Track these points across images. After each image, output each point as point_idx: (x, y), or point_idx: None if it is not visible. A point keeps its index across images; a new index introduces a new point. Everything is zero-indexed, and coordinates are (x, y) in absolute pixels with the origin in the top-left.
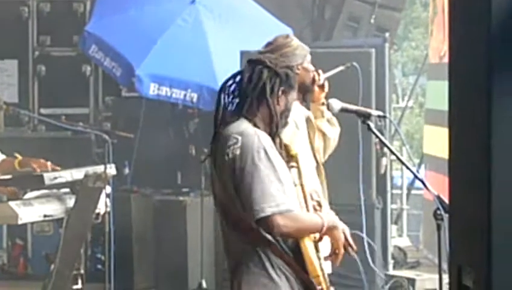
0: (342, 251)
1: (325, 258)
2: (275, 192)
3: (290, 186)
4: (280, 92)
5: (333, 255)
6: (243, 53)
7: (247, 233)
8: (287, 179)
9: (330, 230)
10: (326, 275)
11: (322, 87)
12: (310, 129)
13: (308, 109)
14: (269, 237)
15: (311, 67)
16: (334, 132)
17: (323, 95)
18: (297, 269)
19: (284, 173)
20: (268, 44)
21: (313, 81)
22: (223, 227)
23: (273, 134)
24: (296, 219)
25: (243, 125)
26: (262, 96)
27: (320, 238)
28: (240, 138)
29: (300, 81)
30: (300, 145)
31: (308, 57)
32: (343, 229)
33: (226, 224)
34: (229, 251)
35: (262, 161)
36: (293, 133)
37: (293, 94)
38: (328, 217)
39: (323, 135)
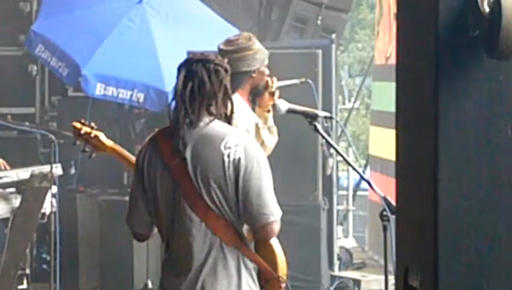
0: None
1: None
2: (275, 198)
3: None
4: (229, 86)
5: None
6: (189, 53)
7: (220, 232)
8: None
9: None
10: None
11: (272, 94)
12: (256, 136)
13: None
14: (243, 238)
15: (266, 72)
16: (272, 140)
17: (271, 102)
18: (266, 268)
19: None
20: (230, 42)
21: (266, 86)
22: (186, 224)
23: None
24: (280, 222)
25: (230, 127)
26: (226, 97)
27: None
28: (241, 140)
29: (254, 84)
30: None
31: (266, 61)
32: None
33: (194, 221)
34: (191, 250)
35: (265, 165)
36: None
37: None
38: None
39: (262, 142)
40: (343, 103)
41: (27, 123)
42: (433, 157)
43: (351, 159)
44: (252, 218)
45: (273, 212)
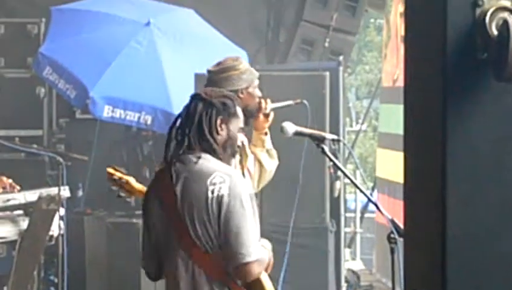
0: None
1: None
2: (256, 238)
3: None
4: (219, 122)
5: None
6: (197, 75)
7: (206, 266)
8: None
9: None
10: None
11: (267, 116)
12: (242, 153)
13: (251, 134)
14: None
15: (257, 93)
16: (271, 164)
17: (267, 124)
18: None
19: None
20: (218, 64)
21: (259, 108)
22: (174, 261)
23: None
24: (263, 263)
25: (221, 164)
26: (200, 130)
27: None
28: (227, 178)
29: (243, 105)
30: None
31: (256, 82)
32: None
33: (182, 257)
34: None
35: (248, 205)
36: None
37: (236, 122)
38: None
39: (260, 165)
40: (351, 125)
41: (35, 145)
42: (441, 180)
43: (358, 182)
44: (228, 257)
45: (251, 253)
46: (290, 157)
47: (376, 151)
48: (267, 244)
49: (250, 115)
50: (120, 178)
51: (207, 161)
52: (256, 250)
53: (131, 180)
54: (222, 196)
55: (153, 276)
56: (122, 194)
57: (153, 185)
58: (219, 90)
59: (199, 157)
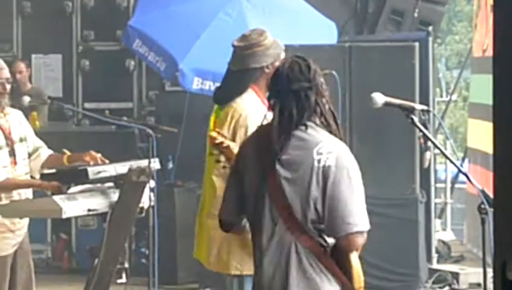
0: None
1: None
2: (363, 210)
3: None
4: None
5: None
6: (286, 47)
7: (296, 233)
8: None
9: None
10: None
11: None
12: None
13: None
14: (322, 243)
15: None
16: None
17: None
18: (341, 278)
19: None
20: (242, 38)
21: None
22: (265, 221)
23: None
24: (365, 236)
25: (329, 136)
26: (318, 106)
27: None
28: (334, 148)
29: (269, 79)
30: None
31: (282, 55)
32: None
33: (274, 219)
34: (267, 249)
35: (356, 177)
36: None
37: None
38: None
39: None
40: (441, 96)
41: (125, 118)
42: None
43: (448, 152)
44: (335, 226)
45: (358, 224)
46: (380, 130)
47: (467, 121)
48: None
49: None
50: (222, 142)
51: (315, 131)
52: (363, 221)
53: (232, 145)
54: (329, 167)
55: (226, 227)
56: (222, 160)
57: (255, 140)
58: (251, 59)
59: (306, 127)
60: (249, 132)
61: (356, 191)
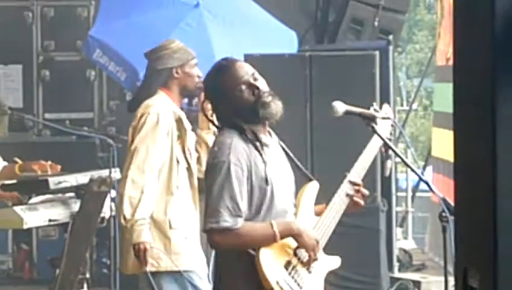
0: (314, 255)
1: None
2: (222, 209)
3: (250, 201)
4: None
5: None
6: (246, 56)
7: None
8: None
9: (294, 238)
10: (286, 286)
11: None
12: (181, 128)
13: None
14: None
15: (195, 73)
16: None
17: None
18: (252, 279)
19: (245, 190)
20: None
21: (200, 88)
22: None
23: None
24: (237, 235)
25: (226, 134)
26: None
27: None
28: (216, 148)
29: (181, 84)
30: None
31: (193, 61)
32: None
33: None
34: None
35: (222, 175)
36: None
37: None
38: (285, 225)
39: (207, 146)
40: (401, 105)
41: (86, 128)
42: (491, 158)
43: (409, 161)
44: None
45: (207, 223)
46: (340, 137)
47: (427, 130)
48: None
49: (191, 95)
50: None
51: (220, 135)
52: (212, 220)
53: None
54: (207, 166)
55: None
56: None
57: None
58: (158, 62)
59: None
60: (148, 119)
61: (227, 188)
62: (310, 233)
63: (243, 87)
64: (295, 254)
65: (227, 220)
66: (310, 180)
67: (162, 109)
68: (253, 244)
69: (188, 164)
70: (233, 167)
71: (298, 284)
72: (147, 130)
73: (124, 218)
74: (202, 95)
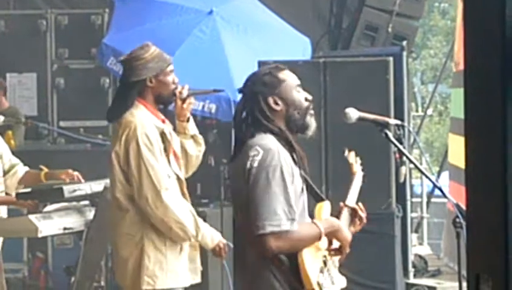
0: (348, 249)
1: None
2: (280, 211)
3: (299, 207)
4: (271, 101)
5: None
6: (260, 63)
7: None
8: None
9: (332, 234)
10: (327, 284)
11: (184, 102)
12: (165, 142)
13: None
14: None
15: (170, 80)
16: (196, 149)
17: (187, 111)
18: (291, 280)
19: (293, 194)
20: (128, 53)
21: (173, 94)
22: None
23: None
24: (291, 238)
25: (267, 139)
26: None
27: (330, 243)
28: (261, 151)
29: (156, 93)
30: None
31: (169, 68)
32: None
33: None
34: (244, 261)
35: (276, 178)
36: (148, 150)
37: (286, 86)
38: (326, 222)
39: (185, 151)
40: (416, 110)
41: (100, 136)
42: (502, 164)
43: (424, 167)
44: (248, 228)
45: (264, 225)
46: (355, 144)
47: (442, 136)
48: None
49: (166, 102)
50: None
51: (259, 136)
52: (274, 223)
53: None
54: (251, 168)
55: None
56: None
57: None
58: (131, 72)
59: (253, 134)
60: (140, 142)
61: (273, 193)
62: (345, 228)
63: (300, 95)
64: (328, 252)
65: (285, 223)
66: (322, 199)
67: (147, 126)
68: (304, 245)
69: (176, 174)
70: (285, 171)
71: (332, 282)
72: (146, 153)
73: (194, 237)
74: (179, 101)
